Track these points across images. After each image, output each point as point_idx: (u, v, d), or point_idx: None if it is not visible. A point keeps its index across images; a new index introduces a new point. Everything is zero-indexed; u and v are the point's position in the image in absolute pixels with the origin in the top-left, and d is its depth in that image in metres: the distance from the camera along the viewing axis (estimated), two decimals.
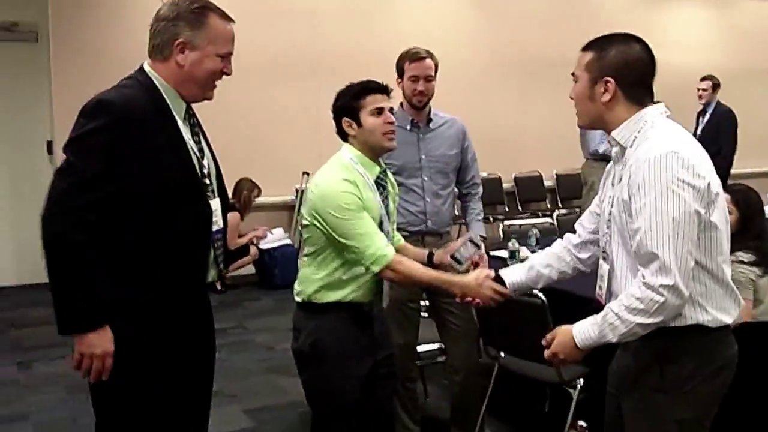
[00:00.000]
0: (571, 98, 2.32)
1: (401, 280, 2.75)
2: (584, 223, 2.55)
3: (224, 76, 2.40)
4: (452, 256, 2.89)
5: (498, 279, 2.65)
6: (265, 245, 7.48)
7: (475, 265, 2.93)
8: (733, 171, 8.09)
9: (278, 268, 7.41)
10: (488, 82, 9.07)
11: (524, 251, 4.39)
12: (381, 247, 2.65)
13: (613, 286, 2.29)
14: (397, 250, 2.78)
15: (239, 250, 7.16)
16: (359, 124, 2.76)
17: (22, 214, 7.37)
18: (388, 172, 2.92)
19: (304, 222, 2.79)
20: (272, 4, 7.94)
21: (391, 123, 2.78)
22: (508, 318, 3.46)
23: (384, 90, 2.80)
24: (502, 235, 5.28)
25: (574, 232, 2.60)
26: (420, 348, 4.06)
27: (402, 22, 8.32)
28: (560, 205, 9.35)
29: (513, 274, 2.65)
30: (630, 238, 2.15)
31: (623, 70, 2.21)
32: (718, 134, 8.09)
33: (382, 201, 2.81)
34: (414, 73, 3.70)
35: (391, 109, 2.80)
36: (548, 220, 5.82)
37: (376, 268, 2.65)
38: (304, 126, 7.87)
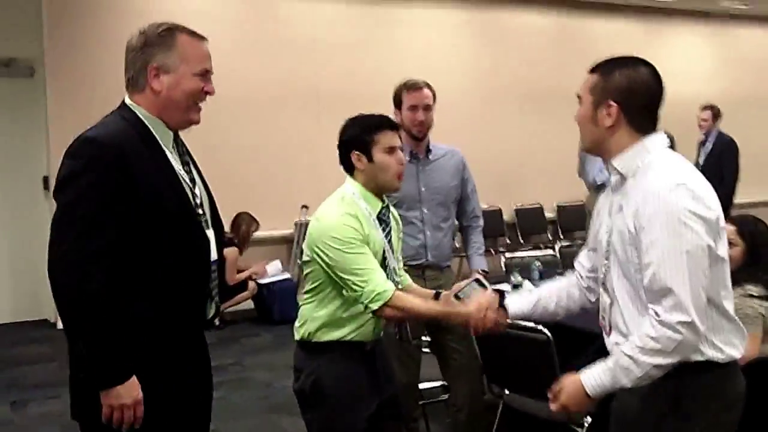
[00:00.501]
0: (576, 121, 2.26)
1: (402, 317, 2.70)
2: (583, 263, 2.48)
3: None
4: (455, 295, 2.84)
5: (502, 303, 2.60)
6: (263, 280, 7.41)
7: None
8: (735, 201, 8.05)
9: (277, 303, 7.31)
10: (488, 114, 9.06)
11: (527, 285, 4.32)
12: (380, 284, 2.57)
13: (613, 317, 2.20)
14: (404, 290, 2.72)
15: (237, 285, 7.11)
16: (370, 159, 2.71)
17: (19, 250, 7.34)
18: (392, 208, 2.86)
19: (305, 257, 2.73)
20: (271, 35, 7.94)
21: (403, 164, 2.74)
22: (513, 354, 3.39)
23: (396, 127, 2.77)
24: (504, 268, 5.20)
25: (573, 266, 2.52)
26: (422, 386, 3.99)
27: (402, 54, 8.33)
28: (561, 236, 9.29)
29: (517, 306, 2.58)
30: (635, 270, 2.08)
31: (628, 95, 2.14)
32: (720, 164, 8.06)
33: (385, 236, 2.75)
34: (413, 102, 3.69)
35: (401, 148, 2.76)
36: (550, 252, 5.74)
37: (374, 306, 2.57)
38: (303, 159, 7.85)
